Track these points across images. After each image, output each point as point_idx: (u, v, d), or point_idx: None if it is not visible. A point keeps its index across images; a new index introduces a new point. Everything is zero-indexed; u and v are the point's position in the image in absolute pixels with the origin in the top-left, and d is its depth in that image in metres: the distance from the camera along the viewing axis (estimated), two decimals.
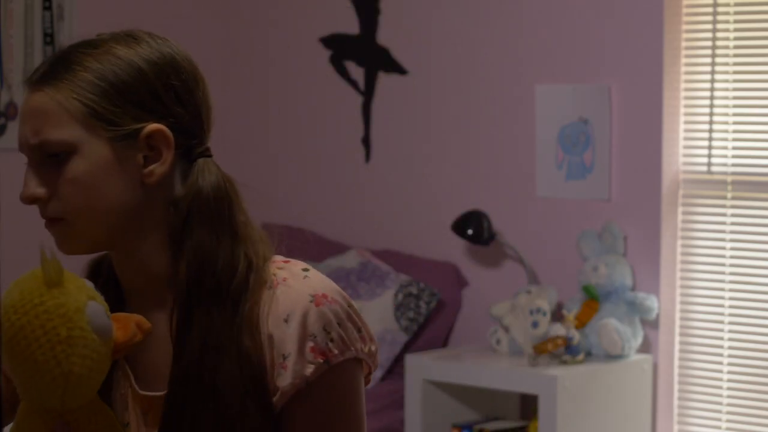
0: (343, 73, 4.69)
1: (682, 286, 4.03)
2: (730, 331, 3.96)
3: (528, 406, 4.09)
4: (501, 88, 4.28)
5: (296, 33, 4.79)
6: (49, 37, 4.32)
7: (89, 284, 1.50)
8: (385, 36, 4.58)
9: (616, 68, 4.07)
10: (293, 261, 1.60)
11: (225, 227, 1.56)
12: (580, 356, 3.86)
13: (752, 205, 3.95)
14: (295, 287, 1.54)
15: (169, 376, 1.52)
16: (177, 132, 1.56)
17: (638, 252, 4.03)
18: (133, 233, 1.56)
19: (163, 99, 1.55)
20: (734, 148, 3.96)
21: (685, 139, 4.03)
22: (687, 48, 4.02)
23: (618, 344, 3.87)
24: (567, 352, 3.84)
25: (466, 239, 4.20)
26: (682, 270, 4.03)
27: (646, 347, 4.00)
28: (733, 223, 3.97)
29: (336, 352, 1.52)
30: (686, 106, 4.03)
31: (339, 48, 4.70)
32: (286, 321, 1.52)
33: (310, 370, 1.51)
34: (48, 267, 1.45)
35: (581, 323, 3.95)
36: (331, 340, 1.52)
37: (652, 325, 4.00)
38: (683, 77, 4.03)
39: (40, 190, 1.57)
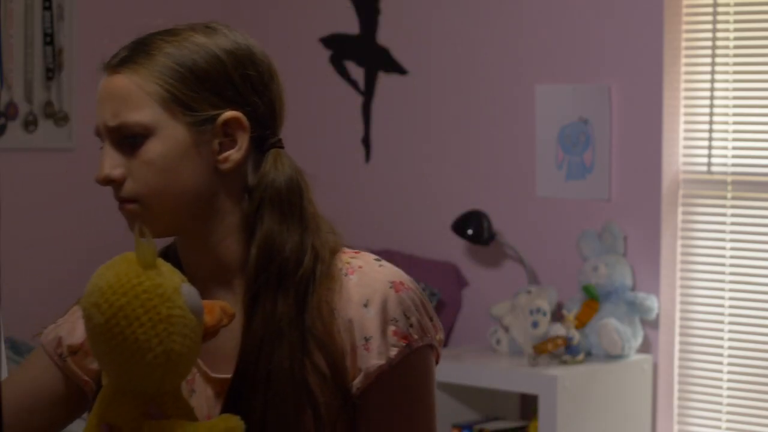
0: (343, 73, 4.69)
1: (682, 286, 4.03)
2: (730, 331, 3.96)
3: (528, 406, 4.09)
4: (501, 88, 4.28)
5: (296, 33, 4.79)
6: (49, 37, 4.32)
7: (181, 274, 1.51)
8: (385, 36, 4.58)
9: (616, 68, 4.07)
10: (363, 252, 1.65)
11: (295, 217, 1.60)
12: (580, 356, 3.86)
13: (752, 205, 3.95)
14: (372, 274, 1.58)
15: (236, 360, 1.54)
16: (252, 121, 1.59)
17: (638, 252, 4.02)
18: (204, 218, 1.58)
19: (240, 88, 1.60)
20: (734, 148, 3.96)
21: (685, 139, 4.03)
22: (687, 48, 4.02)
23: (618, 344, 3.87)
24: (567, 352, 3.84)
25: (466, 239, 4.20)
26: (682, 270, 4.03)
27: (646, 347, 4.00)
28: (733, 223, 3.97)
29: (416, 337, 1.55)
30: (686, 106, 4.03)
31: (339, 48, 4.70)
32: (365, 306, 1.55)
33: (394, 352, 1.54)
34: (143, 249, 1.46)
35: (581, 323, 3.95)
36: (411, 326, 1.55)
37: (652, 325, 4.00)
38: (683, 77, 4.02)
39: (115, 172, 1.58)
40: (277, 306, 1.54)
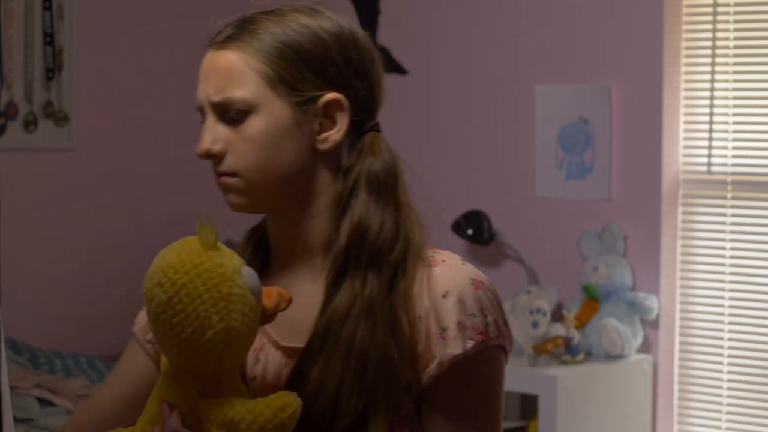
0: None
1: (682, 286, 4.03)
2: (730, 331, 3.96)
3: (528, 406, 4.09)
4: (501, 88, 4.28)
5: None
6: (49, 37, 4.32)
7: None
8: (385, 36, 4.58)
9: (616, 68, 4.07)
10: (447, 251, 1.66)
11: (390, 202, 1.63)
12: (580, 356, 3.86)
13: (752, 205, 3.95)
14: (455, 268, 1.60)
15: (311, 331, 1.57)
16: (352, 104, 1.63)
17: (638, 252, 4.03)
18: (299, 196, 1.61)
19: (342, 71, 1.62)
20: (734, 148, 3.97)
21: (685, 139, 4.03)
22: (687, 48, 4.02)
23: (618, 344, 3.87)
24: (567, 352, 3.84)
25: (466, 239, 4.20)
26: (682, 270, 4.03)
27: (646, 347, 4.00)
28: (733, 223, 3.97)
29: (492, 335, 1.57)
30: (686, 106, 4.03)
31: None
32: (444, 297, 1.57)
33: (470, 345, 1.55)
34: (205, 231, 1.50)
35: (581, 323, 3.95)
36: (487, 324, 1.57)
37: (652, 325, 4.00)
38: (683, 77, 4.03)
39: (216, 146, 1.62)
40: (367, 284, 1.56)
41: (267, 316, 1.53)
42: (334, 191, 1.62)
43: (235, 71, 1.59)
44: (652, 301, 3.95)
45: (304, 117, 1.59)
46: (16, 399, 3.50)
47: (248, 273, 1.50)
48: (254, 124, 1.58)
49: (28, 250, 4.32)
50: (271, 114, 1.58)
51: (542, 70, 4.18)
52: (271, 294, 1.53)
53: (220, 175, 1.62)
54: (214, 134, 1.62)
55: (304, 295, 1.60)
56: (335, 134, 1.61)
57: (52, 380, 3.68)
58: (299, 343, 1.59)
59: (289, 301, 1.54)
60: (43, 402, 3.61)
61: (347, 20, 1.68)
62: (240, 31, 1.62)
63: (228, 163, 1.61)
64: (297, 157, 1.59)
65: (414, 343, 1.55)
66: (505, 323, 1.61)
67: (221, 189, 1.63)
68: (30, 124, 4.30)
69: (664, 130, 3.99)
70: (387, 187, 1.64)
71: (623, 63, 4.05)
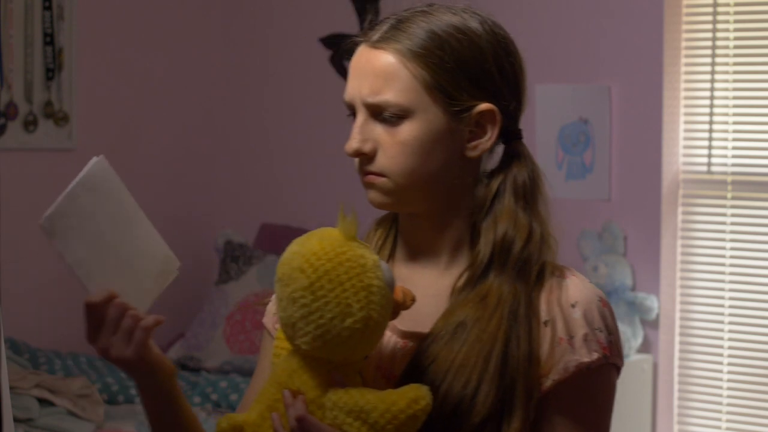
0: (343, 73, 4.69)
1: (682, 286, 4.03)
2: (730, 331, 3.96)
3: None
4: None
5: (296, 33, 4.79)
6: (49, 37, 4.32)
7: None
8: None
9: (616, 68, 4.07)
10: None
11: (532, 210, 1.67)
12: None
13: (752, 205, 3.95)
14: (584, 283, 1.64)
15: (441, 318, 1.60)
16: (502, 113, 1.63)
17: (638, 252, 4.03)
18: (440, 199, 1.63)
19: (497, 81, 1.63)
20: (734, 148, 3.97)
21: (685, 139, 4.03)
22: (687, 48, 4.02)
23: None
24: None
25: None
26: (682, 270, 4.03)
27: (646, 347, 4.00)
28: (733, 223, 3.97)
29: (613, 353, 1.61)
30: (686, 106, 4.03)
31: (339, 48, 4.70)
32: (573, 306, 1.60)
33: (594, 356, 1.58)
34: (346, 223, 1.54)
35: None
36: (611, 342, 1.61)
37: (652, 325, 4.00)
38: (683, 77, 4.03)
39: (366, 146, 1.64)
40: (504, 285, 1.60)
41: (396, 310, 1.56)
42: (474, 194, 1.65)
43: (394, 74, 1.60)
44: (652, 301, 3.95)
45: (456, 125, 1.61)
46: (16, 399, 3.50)
47: (385, 267, 1.53)
48: (409, 129, 1.60)
49: (28, 250, 4.32)
50: (426, 120, 1.59)
51: (542, 70, 4.18)
52: (397, 291, 1.56)
53: (367, 173, 1.65)
54: (365, 133, 1.64)
55: (427, 287, 1.64)
56: (485, 143, 1.63)
57: (52, 380, 3.68)
58: (417, 328, 1.62)
59: (414, 300, 1.57)
60: (43, 402, 3.61)
61: (501, 27, 1.67)
62: (397, 31, 1.61)
63: (378, 164, 1.63)
64: (445, 163, 1.61)
65: (537, 347, 1.59)
66: (620, 346, 1.65)
67: (365, 186, 1.66)
68: (30, 124, 4.30)
69: (664, 130, 3.99)
70: (531, 195, 1.67)
71: (623, 63, 4.05)
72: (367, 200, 1.67)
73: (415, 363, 1.58)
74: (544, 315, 1.60)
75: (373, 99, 1.61)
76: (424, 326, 1.61)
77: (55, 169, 4.42)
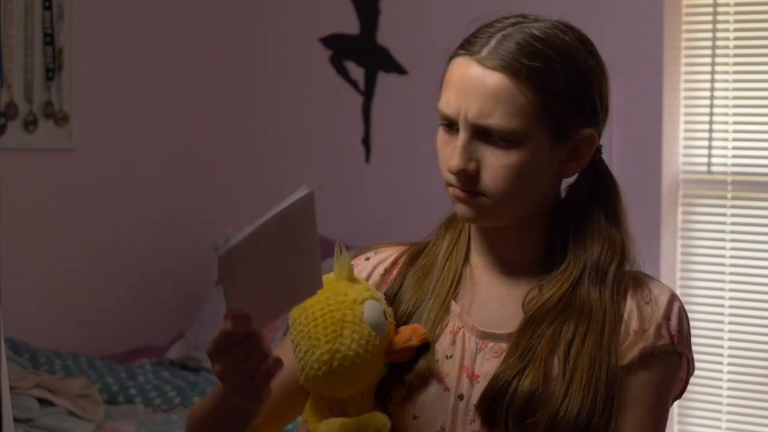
0: (343, 73, 4.69)
1: (682, 286, 4.03)
2: (730, 331, 3.96)
3: None
4: None
5: (296, 33, 4.79)
6: (49, 37, 4.32)
7: (378, 294, 1.64)
8: (385, 36, 4.58)
9: (616, 68, 4.05)
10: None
11: (620, 227, 1.73)
12: None
13: (752, 205, 3.95)
14: (659, 282, 1.70)
15: (520, 322, 1.64)
16: (597, 134, 1.66)
17: (638, 252, 4.02)
18: (527, 215, 1.66)
19: (596, 107, 1.65)
20: (734, 148, 3.97)
21: (685, 139, 4.03)
22: (687, 48, 4.02)
23: None
24: None
25: None
26: (682, 270, 4.03)
27: None
28: (733, 223, 3.97)
29: (682, 343, 1.65)
30: (686, 106, 4.03)
31: (339, 48, 4.70)
32: (647, 303, 1.65)
33: (660, 342, 1.63)
34: (339, 263, 1.63)
35: None
36: (680, 332, 1.65)
37: None
38: (683, 77, 4.03)
39: (471, 165, 1.61)
40: (601, 300, 1.64)
41: (397, 352, 1.62)
42: (556, 207, 1.68)
43: (507, 99, 1.58)
44: None
45: (558, 150, 1.62)
46: (16, 399, 3.50)
47: (371, 306, 1.60)
48: (516, 154, 1.59)
49: (28, 250, 4.32)
50: (534, 146, 1.60)
51: None
52: (404, 331, 1.63)
53: (465, 190, 1.63)
54: (470, 153, 1.61)
55: (502, 291, 1.68)
56: (580, 165, 1.66)
57: (52, 380, 3.68)
58: (495, 329, 1.65)
59: (424, 339, 1.63)
60: (43, 402, 3.61)
61: (597, 50, 1.71)
62: (507, 50, 1.61)
63: (479, 184, 1.62)
64: (543, 185, 1.64)
65: (618, 342, 1.63)
66: (690, 344, 1.69)
67: (455, 200, 1.65)
68: (30, 124, 4.30)
69: (664, 130, 3.99)
70: (616, 210, 1.72)
71: (623, 63, 4.05)
72: (456, 213, 1.68)
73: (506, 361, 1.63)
74: (622, 310, 1.65)
75: (482, 121, 1.59)
76: (501, 328, 1.65)
77: (55, 169, 4.42)
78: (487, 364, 1.64)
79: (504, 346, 1.64)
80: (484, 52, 1.61)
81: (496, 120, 1.58)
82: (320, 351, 1.57)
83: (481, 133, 1.60)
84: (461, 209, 1.65)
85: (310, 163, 4.78)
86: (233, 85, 4.94)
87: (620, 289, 1.66)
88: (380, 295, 1.65)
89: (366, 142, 4.63)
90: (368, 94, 4.63)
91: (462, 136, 1.61)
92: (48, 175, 4.39)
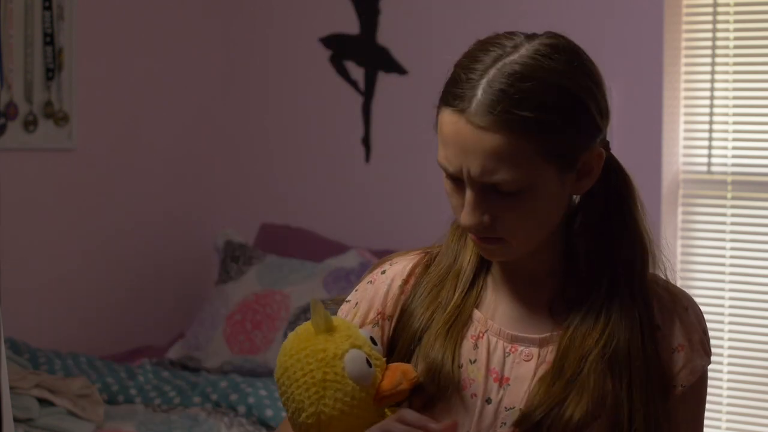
0: (343, 73, 4.69)
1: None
2: (730, 331, 3.96)
3: None
4: None
5: (296, 33, 4.79)
6: (49, 37, 4.32)
7: (364, 333, 1.61)
8: (385, 36, 4.58)
9: (616, 68, 4.07)
10: None
11: (638, 224, 1.68)
12: None
13: (752, 205, 3.95)
14: (677, 288, 1.70)
15: (551, 324, 1.65)
16: (602, 143, 1.63)
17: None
18: (547, 236, 1.66)
19: (597, 121, 1.60)
20: (734, 148, 3.97)
21: (685, 139, 4.03)
22: (687, 48, 4.02)
23: None
24: None
25: None
26: (682, 270, 4.03)
27: None
28: (733, 223, 3.97)
29: (711, 353, 1.70)
30: (686, 106, 4.03)
31: (339, 48, 4.70)
32: (686, 310, 1.67)
33: (708, 361, 1.67)
34: (316, 316, 1.58)
35: None
36: (709, 341, 1.71)
37: None
38: (683, 77, 4.03)
39: (485, 218, 1.59)
40: (632, 305, 1.63)
41: (386, 396, 1.59)
42: (569, 212, 1.67)
43: (509, 155, 1.54)
44: None
45: (567, 176, 1.60)
46: (16, 399, 3.50)
47: (352, 358, 1.57)
48: (528, 198, 1.57)
49: (28, 250, 4.32)
50: (544, 186, 1.57)
51: None
52: (394, 374, 1.59)
53: (485, 239, 1.62)
54: (481, 207, 1.59)
55: (524, 296, 1.68)
56: (593, 179, 1.63)
57: (52, 380, 3.68)
58: (522, 332, 1.65)
59: (413, 381, 1.60)
60: (43, 402, 3.61)
61: (586, 56, 1.66)
62: (496, 105, 1.54)
63: (497, 231, 1.60)
64: (560, 212, 1.63)
65: (660, 354, 1.64)
66: None
67: (477, 244, 1.64)
68: (30, 124, 4.30)
69: (664, 130, 3.99)
70: (633, 207, 1.68)
71: (623, 63, 4.05)
72: (481, 253, 1.68)
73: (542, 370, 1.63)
74: (659, 322, 1.65)
75: (487, 179, 1.56)
76: (531, 332, 1.65)
77: (55, 169, 4.42)
78: (518, 367, 1.64)
79: (535, 350, 1.64)
80: (473, 108, 1.55)
81: (502, 176, 1.55)
82: (305, 414, 1.56)
83: (489, 187, 1.57)
84: (486, 252, 1.65)
85: (310, 163, 4.78)
86: (233, 85, 4.94)
87: (648, 295, 1.66)
88: (363, 337, 1.60)
89: (366, 142, 4.63)
90: (368, 94, 4.63)
91: (470, 193, 1.59)
92: (48, 175, 4.39)
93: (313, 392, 1.55)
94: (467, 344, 1.66)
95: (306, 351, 1.56)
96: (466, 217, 1.59)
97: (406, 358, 1.67)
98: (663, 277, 1.71)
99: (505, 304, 1.68)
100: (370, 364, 1.58)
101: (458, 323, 1.66)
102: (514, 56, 1.57)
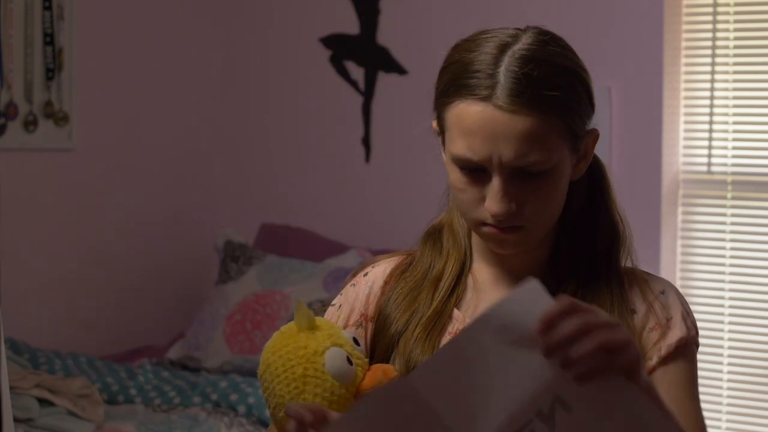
0: (343, 73, 4.69)
1: (682, 286, 4.03)
2: (730, 331, 3.96)
3: None
4: None
5: (296, 33, 4.79)
6: (49, 37, 4.32)
7: (346, 334, 1.63)
8: (385, 36, 4.58)
9: (616, 68, 4.07)
10: None
11: (613, 206, 1.75)
12: None
13: (752, 205, 3.95)
14: (658, 277, 1.73)
15: None
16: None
17: (638, 252, 4.02)
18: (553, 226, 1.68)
19: (593, 103, 1.67)
20: (734, 148, 3.97)
21: (685, 139, 4.03)
22: (687, 48, 4.02)
23: None
24: None
25: None
26: (682, 270, 4.03)
27: None
28: (733, 223, 3.97)
29: (697, 331, 1.69)
30: (686, 106, 4.03)
31: (339, 48, 4.70)
32: (663, 293, 1.68)
33: (691, 333, 1.66)
34: (299, 314, 1.60)
35: None
36: (693, 322, 1.69)
37: None
38: (683, 77, 4.03)
39: (513, 206, 1.60)
40: (611, 290, 1.67)
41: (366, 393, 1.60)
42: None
43: (539, 136, 1.57)
44: None
45: (573, 158, 1.65)
46: (16, 399, 3.50)
47: (332, 355, 1.58)
48: (551, 180, 1.60)
49: (28, 250, 4.32)
50: (564, 166, 1.62)
51: None
52: (375, 373, 1.61)
53: (508, 227, 1.62)
54: (510, 194, 1.60)
55: (507, 287, 1.69)
56: (587, 162, 1.68)
57: (52, 380, 3.68)
58: None
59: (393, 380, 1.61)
60: (43, 402, 3.61)
61: (565, 41, 1.68)
62: (523, 89, 1.57)
63: (522, 216, 1.61)
64: (564, 197, 1.65)
65: (637, 337, 1.64)
66: None
67: (493, 238, 1.64)
68: (30, 124, 4.30)
69: (664, 130, 3.99)
70: (607, 189, 1.74)
71: (623, 63, 4.05)
72: (492, 248, 1.67)
73: None
74: (635, 306, 1.66)
75: (520, 162, 1.58)
76: None
77: (55, 169, 4.42)
78: None
79: None
80: (500, 93, 1.57)
81: (534, 157, 1.57)
82: (286, 409, 1.55)
83: (517, 171, 1.59)
84: (501, 243, 1.64)
85: (310, 163, 4.78)
86: (233, 85, 4.94)
87: (623, 282, 1.68)
88: (345, 337, 1.61)
89: (366, 142, 4.63)
90: (368, 94, 4.63)
91: (498, 180, 1.59)
92: (48, 175, 4.39)
93: (293, 387, 1.57)
94: (445, 341, 1.67)
95: (288, 348, 1.58)
96: (496, 206, 1.59)
97: (385, 361, 1.69)
98: (630, 264, 1.74)
99: (485, 303, 1.68)
100: (350, 362, 1.59)
101: (438, 325, 1.68)
102: (520, 44, 1.61)
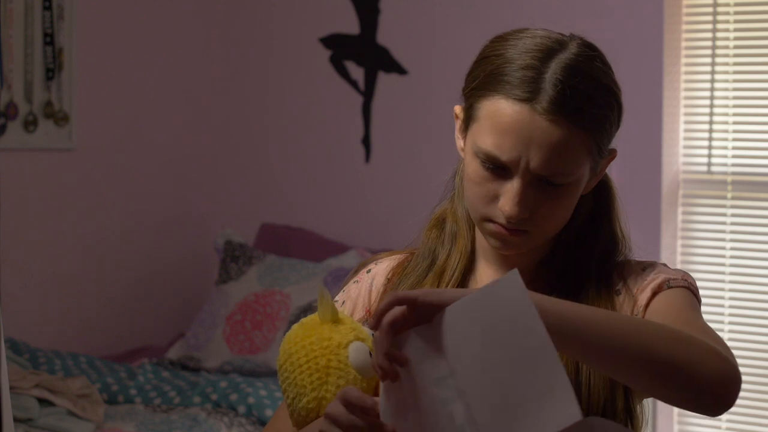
0: (343, 73, 4.69)
1: None
2: (730, 331, 3.96)
3: None
4: None
5: (296, 33, 4.79)
6: (49, 37, 4.32)
7: (367, 330, 1.62)
8: (385, 36, 4.58)
9: (616, 69, 4.06)
10: None
11: (616, 218, 1.78)
12: None
13: (752, 205, 3.95)
14: (647, 260, 1.75)
15: None
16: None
17: (638, 252, 4.02)
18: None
19: (618, 125, 1.65)
20: (734, 148, 3.97)
21: (685, 139, 4.03)
22: (687, 48, 4.02)
23: None
24: None
25: None
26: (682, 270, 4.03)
27: None
28: (733, 223, 3.97)
29: (690, 283, 1.68)
30: (686, 106, 4.03)
31: (339, 48, 4.70)
32: (644, 270, 1.70)
33: (678, 275, 1.67)
34: (323, 306, 1.60)
35: None
36: (685, 280, 1.68)
37: None
38: (683, 77, 4.03)
39: (528, 211, 1.61)
40: (599, 290, 1.68)
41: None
42: None
43: (570, 149, 1.58)
44: None
45: (593, 173, 1.66)
46: (16, 399, 3.50)
47: (356, 348, 1.59)
48: (569, 193, 1.62)
49: (28, 250, 4.32)
50: (582, 181, 1.63)
51: None
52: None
53: (515, 230, 1.62)
54: (529, 200, 1.60)
55: None
56: (598, 179, 1.68)
57: (52, 380, 3.68)
58: None
59: None
60: (43, 402, 3.61)
61: (605, 57, 1.68)
62: (567, 101, 1.57)
63: (530, 222, 1.61)
64: (574, 208, 1.66)
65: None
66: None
67: (496, 236, 1.64)
68: (30, 124, 4.31)
69: (664, 130, 3.99)
70: (612, 202, 1.75)
71: (623, 63, 4.05)
72: (492, 246, 1.67)
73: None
74: (617, 287, 1.68)
75: (546, 171, 1.58)
76: None
77: (55, 169, 4.42)
78: None
79: None
80: (543, 101, 1.56)
81: (560, 169, 1.58)
82: (307, 399, 1.57)
83: (539, 178, 1.59)
84: (505, 244, 1.64)
85: (310, 163, 4.78)
86: (233, 85, 4.94)
87: (611, 277, 1.70)
88: (367, 332, 1.61)
89: (366, 142, 4.63)
90: (368, 94, 4.63)
91: (519, 183, 1.59)
92: (48, 175, 4.39)
93: (315, 378, 1.57)
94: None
95: (311, 338, 1.58)
96: (511, 208, 1.59)
97: None
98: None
99: None
100: (372, 357, 1.60)
101: None
102: (568, 54, 1.60)
